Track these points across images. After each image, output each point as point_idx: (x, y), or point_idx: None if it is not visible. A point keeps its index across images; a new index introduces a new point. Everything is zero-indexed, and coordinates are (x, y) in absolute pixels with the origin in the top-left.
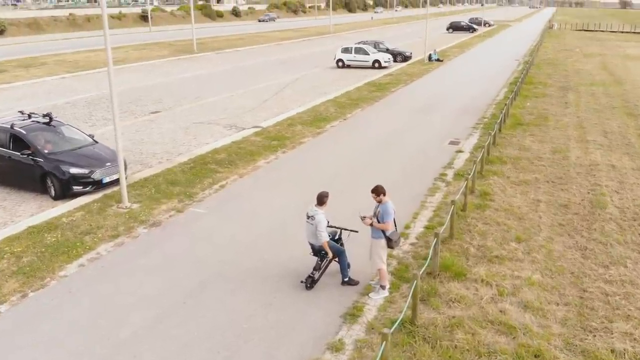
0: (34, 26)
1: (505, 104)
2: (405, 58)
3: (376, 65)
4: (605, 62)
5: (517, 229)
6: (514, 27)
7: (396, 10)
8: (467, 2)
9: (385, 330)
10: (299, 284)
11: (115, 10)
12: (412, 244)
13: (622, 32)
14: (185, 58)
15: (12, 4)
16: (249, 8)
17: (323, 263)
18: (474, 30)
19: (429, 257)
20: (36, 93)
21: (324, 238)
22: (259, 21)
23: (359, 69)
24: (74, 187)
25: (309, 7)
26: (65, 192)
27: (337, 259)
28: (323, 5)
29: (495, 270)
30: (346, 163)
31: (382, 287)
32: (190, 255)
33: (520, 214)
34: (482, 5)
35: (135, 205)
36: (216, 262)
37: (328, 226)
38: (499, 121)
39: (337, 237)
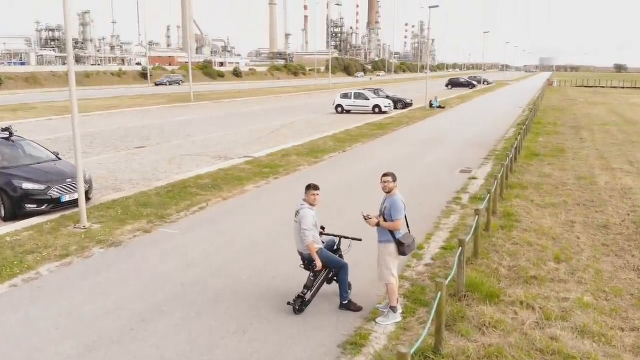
0: (32, 80)
1: (517, 138)
2: (406, 105)
3: (376, 110)
4: (612, 108)
5: (553, 249)
6: (512, 85)
7: (378, 75)
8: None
9: (403, 350)
10: (284, 307)
11: (116, 68)
12: (427, 265)
13: (623, 87)
14: (180, 106)
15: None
16: (250, 70)
17: (317, 280)
18: (474, 86)
19: (453, 270)
20: (19, 131)
21: (308, 239)
22: (156, 85)
23: (359, 114)
24: (27, 206)
25: (309, 70)
26: (16, 211)
27: (335, 278)
28: (323, 69)
29: (536, 292)
30: (345, 188)
31: (393, 310)
32: (150, 276)
33: (553, 234)
34: (484, 70)
35: (96, 226)
36: (180, 283)
37: (325, 234)
38: (514, 150)
39: (335, 247)
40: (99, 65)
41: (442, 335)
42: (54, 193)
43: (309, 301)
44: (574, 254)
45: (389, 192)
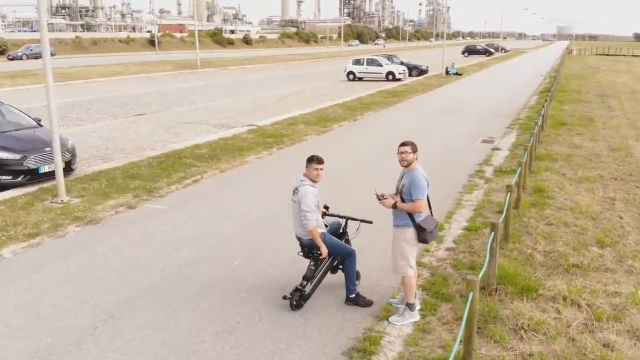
0: None
1: (543, 105)
2: (421, 72)
3: (390, 77)
4: (638, 76)
5: (594, 230)
6: (530, 53)
7: (376, 44)
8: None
9: None
10: (279, 302)
11: (124, 35)
12: (449, 250)
13: None
14: (186, 72)
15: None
16: (261, 37)
17: (318, 269)
18: (491, 54)
19: (486, 262)
20: (13, 98)
21: (310, 223)
22: (10, 59)
23: (371, 82)
24: (1, 177)
25: (321, 38)
26: None
27: (341, 266)
28: (335, 36)
29: (580, 283)
30: (355, 160)
31: (409, 307)
32: (127, 260)
33: (592, 213)
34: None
35: (75, 200)
36: (160, 270)
37: (329, 214)
38: (541, 118)
39: (341, 230)
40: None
41: (473, 345)
42: (30, 163)
43: (309, 295)
44: (618, 237)
45: (407, 165)
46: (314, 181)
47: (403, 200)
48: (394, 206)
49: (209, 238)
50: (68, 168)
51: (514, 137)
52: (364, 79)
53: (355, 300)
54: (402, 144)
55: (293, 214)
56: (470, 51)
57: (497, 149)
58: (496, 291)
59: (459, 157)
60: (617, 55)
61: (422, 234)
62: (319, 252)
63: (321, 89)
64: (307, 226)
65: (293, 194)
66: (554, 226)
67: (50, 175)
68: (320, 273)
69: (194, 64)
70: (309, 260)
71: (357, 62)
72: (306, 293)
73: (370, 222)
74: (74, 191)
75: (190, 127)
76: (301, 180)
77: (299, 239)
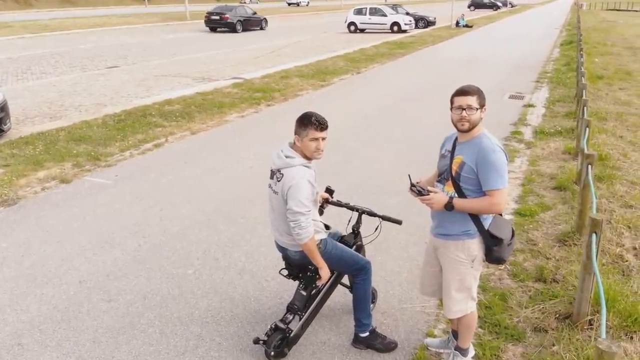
0: (22, 1)
1: (581, 55)
2: (429, 23)
3: (395, 28)
4: None
5: None
6: (537, 8)
7: None
8: None
9: None
10: (249, 347)
11: None
12: None
13: None
14: (173, 24)
15: None
16: None
17: (312, 296)
18: (498, 7)
19: (584, 280)
20: None
21: (305, 232)
22: None
23: (375, 33)
24: None
25: None
26: None
27: (342, 282)
28: None
29: None
30: (361, 119)
31: (461, 353)
32: (34, 264)
33: None
34: None
35: None
36: (78, 282)
37: (333, 203)
38: (578, 72)
39: (355, 230)
40: None
41: None
42: None
43: (297, 336)
44: None
45: (469, 129)
46: (309, 158)
47: (462, 193)
48: (448, 206)
49: (157, 228)
50: None
51: (546, 92)
52: (367, 30)
53: (370, 340)
54: (462, 92)
55: (271, 209)
56: (477, 5)
57: (530, 105)
58: (590, 324)
59: (488, 116)
60: (629, 10)
61: (497, 249)
62: (315, 273)
63: (319, 41)
64: (301, 239)
65: (272, 178)
66: (633, 209)
67: None
68: (316, 302)
69: (183, 15)
70: (297, 282)
71: (359, 11)
72: (292, 334)
73: (399, 223)
74: (0, 159)
75: (165, 80)
76: (287, 157)
77: (282, 249)
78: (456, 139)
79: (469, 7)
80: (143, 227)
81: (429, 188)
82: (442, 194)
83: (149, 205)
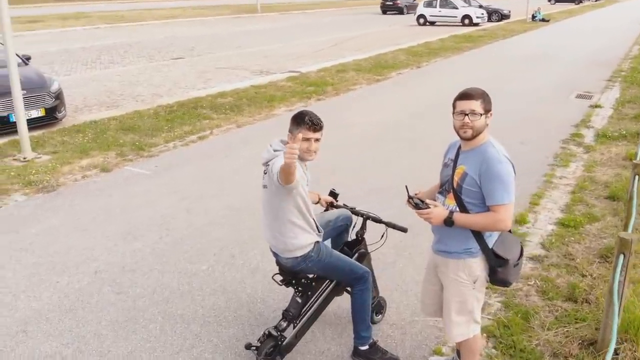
0: None
1: None
2: (503, 16)
3: (466, 21)
4: None
5: None
6: (625, 2)
7: None
8: None
9: None
10: (244, 352)
11: None
12: (534, 259)
13: None
14: (244, 17)
15: None
16: None
17: (309, 303)
18: (581, 1)
19: (612, 304)
20: (54, 39)
21: (279, 162)
22: None
23: (445, 26)
24: None
25: None
26: None
27: (348, 288)
28: None
29: None
30: (408, 117)
31: None
32: (57, 252)
33: None
34: None
35: (44, 157)
36: (94, 272)
37: (334, 205)
38: None
39: (354, 233)
40: None
41: None
42: None
43: (290, 344)
44: None
45: (472, 137)
46: (300, 159)
47: (464, 208)
48: (448, 221)
49: (183, 222)
50: (51, 116)
51: (617, 91)
52: (437, 23)
53: (369, 355)
54: (464, 95)
55: (264, 213)
56: None
57: (597, 106)
58: (616, 354)
59: (547, 115)
60: None
61: (502, 270)
62: (311, 281)
63: (386, 33)
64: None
65: (264, 177)
66: None
67: (31, 122)
68: (311, 311)
69: (255, 8)
70: (294, 289)
71: (429, 4)
72: (284, 343)
73: (405, 230)
74: (49, 146)
75: (225, 72)
76: (275, 150)
77: (275, 255)
78: (460, 147)
79: (549, 0)
80: (168, 220)
81: (428, 201)
82: (441, 207)
83: (180, 197)
